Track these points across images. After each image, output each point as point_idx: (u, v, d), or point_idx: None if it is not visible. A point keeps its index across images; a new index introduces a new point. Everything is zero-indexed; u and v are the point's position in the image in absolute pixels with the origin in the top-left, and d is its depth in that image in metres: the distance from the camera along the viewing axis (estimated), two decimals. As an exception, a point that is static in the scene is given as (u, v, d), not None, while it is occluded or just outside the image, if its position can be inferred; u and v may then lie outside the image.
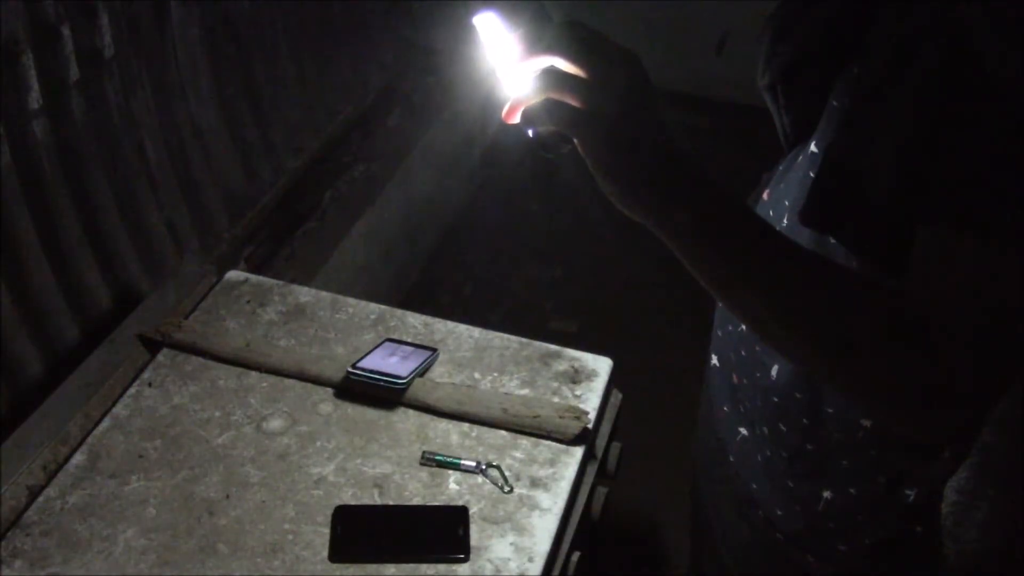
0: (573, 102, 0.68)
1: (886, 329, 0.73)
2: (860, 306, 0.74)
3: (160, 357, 1.30)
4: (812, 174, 0.93)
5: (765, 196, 1.04)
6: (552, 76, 0.69)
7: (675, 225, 0.72)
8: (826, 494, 1.02)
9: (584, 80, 0.69)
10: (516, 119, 0.72)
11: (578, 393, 1.27)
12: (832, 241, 0.89)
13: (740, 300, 0.78)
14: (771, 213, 1.00)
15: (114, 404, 1.24)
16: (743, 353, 1.05)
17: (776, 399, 1.01)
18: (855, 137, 0.83)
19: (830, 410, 0.97)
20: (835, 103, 0.88)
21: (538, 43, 0.70)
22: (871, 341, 0.74)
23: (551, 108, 0.69)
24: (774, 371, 1.00)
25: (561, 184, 2.95)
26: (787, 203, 0.97)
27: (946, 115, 0.73)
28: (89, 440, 1.19)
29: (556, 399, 1.26)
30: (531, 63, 0.71)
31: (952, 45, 0.72)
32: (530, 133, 0.72)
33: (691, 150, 0.71)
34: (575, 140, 0.70)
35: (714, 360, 1.13)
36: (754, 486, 1.09)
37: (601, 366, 1.31)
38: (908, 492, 0.98)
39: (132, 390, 1.26)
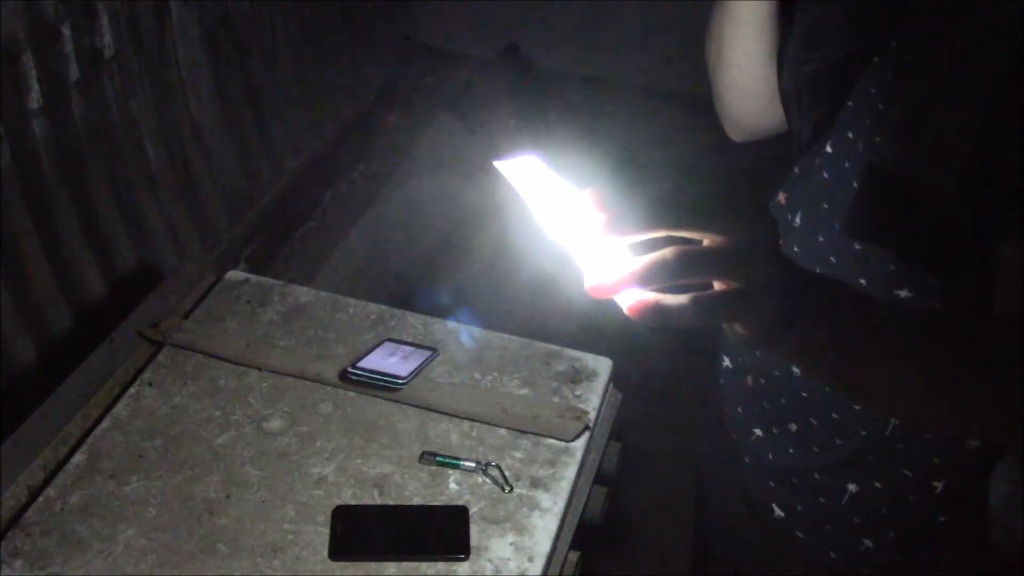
0: (723, 285, 0.59)
1: (1011, 360, 0.71)
2: (994, 353, 0.72)
3: (160, 357, 1.30)
4: (826, 174, 0.92)
5: (782, 200, 1.04)
6: (688, 261, 0.57)
7: (821, 350, 0.67)
8: (851, 487, 1.02)
9: (730, 254, 0.58)
10: (623, 306, 0.61)
11: (578, 393, 1.27)
12: (857, 248, 0.89)
13: (887, 393, 0.74)
14: (788, 216, 1.00)
15: (114, 404, 1.24)
16: (757, 354, 1.04)
17: (805, 394, 1.01)
18: (911, 145, 0.81)
19: (856, 408, 0.97)
20: (851, 103, 0.87)
21: (644, 218, 0.57)
22: (1009, 380, 0.71)
23: (704, 303, 0.58)
24: (795, 367, 1.00)
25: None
26: (805, 206, 0.97)
27: (1014, 118, 0.72)
28: (89, 440, 1.19)
29: (556, 399, 1.26)
30: (628, 239, 0.59)
31: (1021, 47, 0.71)
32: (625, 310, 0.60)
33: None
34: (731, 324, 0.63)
35: (726, 362, 1.13)
36: (771, 484, 1.09)
37: (601, 366, 1.31)
38: (935, 484, 0.98)
39: (132, 390, 1.26)
